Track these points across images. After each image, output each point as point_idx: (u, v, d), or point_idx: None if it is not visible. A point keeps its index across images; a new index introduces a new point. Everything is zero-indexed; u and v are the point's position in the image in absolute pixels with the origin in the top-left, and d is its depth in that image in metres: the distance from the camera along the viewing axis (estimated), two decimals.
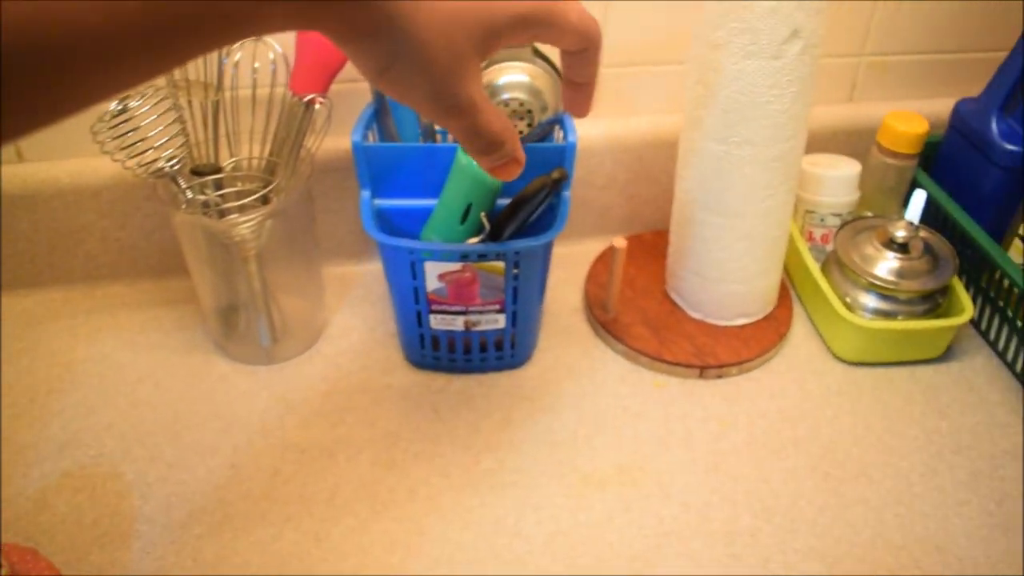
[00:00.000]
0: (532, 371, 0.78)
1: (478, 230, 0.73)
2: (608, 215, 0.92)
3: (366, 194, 0.73)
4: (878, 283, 0.77)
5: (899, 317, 0.77)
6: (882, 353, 0.79)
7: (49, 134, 0.32)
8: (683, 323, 0.80)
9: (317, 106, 0.70)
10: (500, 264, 0.68)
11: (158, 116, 0.67)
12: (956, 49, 0.92)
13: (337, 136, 0.76)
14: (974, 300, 0.82)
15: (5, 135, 0.27)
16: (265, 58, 0.71)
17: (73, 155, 0.80)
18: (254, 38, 0.67)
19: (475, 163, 0.69)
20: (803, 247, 0.84)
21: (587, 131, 0.86)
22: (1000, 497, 0.68)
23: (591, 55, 0.43)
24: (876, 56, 0.91)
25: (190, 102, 0.71)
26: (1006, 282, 0.77)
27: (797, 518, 0.66)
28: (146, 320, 0.83)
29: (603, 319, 0.80)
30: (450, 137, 0.78)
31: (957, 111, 0.86)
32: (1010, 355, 0.79)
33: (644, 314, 0.81)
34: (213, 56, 0.69)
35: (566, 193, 0.72)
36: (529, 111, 0.71)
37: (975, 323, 0.83)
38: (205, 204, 0.72)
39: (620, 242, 0.75)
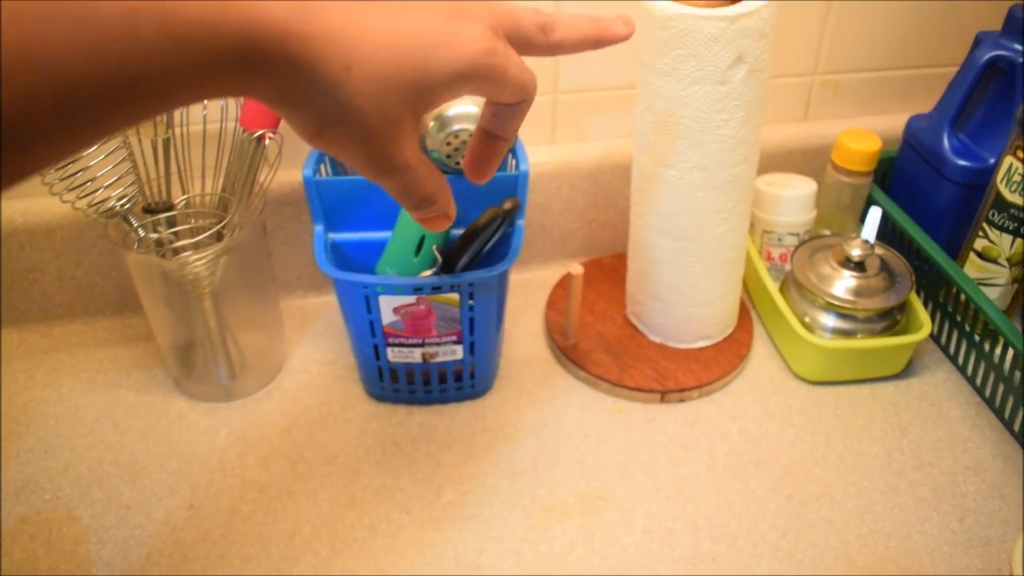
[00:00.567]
0: (493, 400, 0.77)
1: (433, 262, 0.73)
2: (567, 240, 0.92)
3: (319, 228, 0.73)
4: (836, 303, 0.77)
5: (858, 335, 0.78)
6: (842, 372, 0.79)
7: None
8: (644, 347, 0.80)
9: (267, 141, 0.69)
10: (455, 296, 0.68)
11: (107, 156, 0.66)
12: (907, 65, 0.93)
13: (292, 169, 0.76)
14: (932, 315, 0.82)
15: None
16: None
17: (25, 195, 0.79)
18: None
19: None
20: (762, 267, 0.84)
21: (544, 157, 0.86)
22: (961, 514, 0.68)
23: (524, 108, 0.43)
24: (828, 75, 0.91)
25: (140, 140, 0.70)
26: (963, 297, 0.77)
27: (759, 542, 0.66)
28: (104, 359, 0.82)
29: (563, 345, 0.80)
30: None
31: (909, 127, 0.87)
32: (969, 369, 0.79)
33: (604, 339, 0.81)
34: None
35: (520, 222, 0.72)
36: None
37: (935, 337, 0.84)
38: (158, 242, 0.72)
39: (576, 269, 0.75)
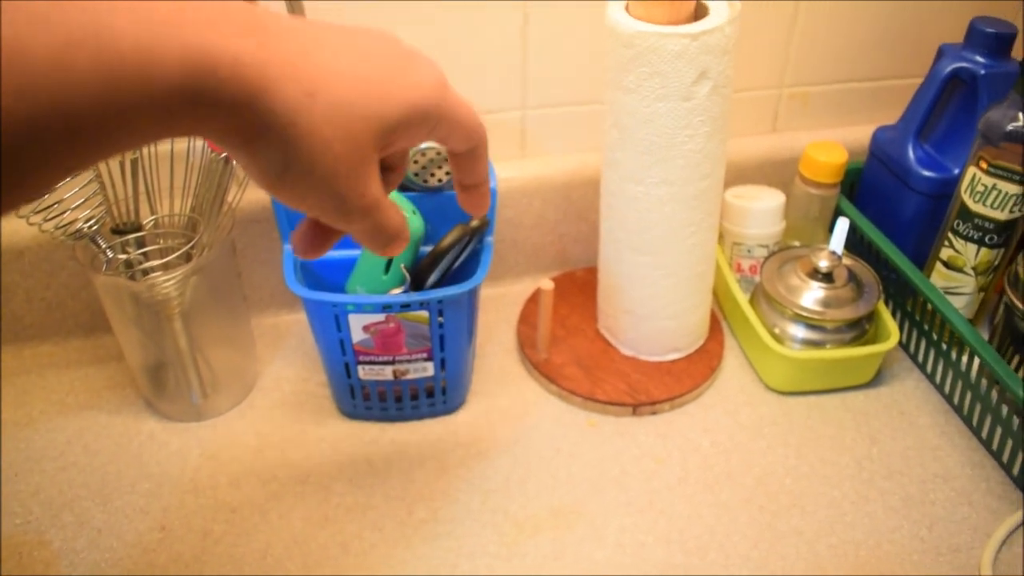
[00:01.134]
0: (465, 416, 0.77)
1: (402, 280, 0.73)
2: (539, 254, 0.93)
3: (288, 248, 0.73)
4: (804, 314, 0.77)
5: (827, 346, 0.78)
6: (813, 382, 0.80)
7: None
8: (615, 360, 0.81)
9: (235, 161, 0.69)
10: (424, 313, 0.68)
11: (73, 177, 0.66)
12: (872, 77, 0.94)
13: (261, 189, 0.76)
14: (900, 324, 0.83)
15: None
16: None
17: None
18: None
19: None
20: (732, 279, 0.85)
21: (514, 173, 0.87)
22: (931, 522, 0.69)
23: (480, 152, 0.43)
24: (796, 87, 0.92)
25: (107, 160, 0.70)
26: (929, 306, 0.78)
27: (732, 553, 0.66)
28: (75, 380, 0.82)
29: (535, 360, 0.80)
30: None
31: (875, 139, 0.88)
32: (938, 377, 0.80)
33: (576, 353, 0.81)
34: None
35: (489, 239, 0.72)
36: (447, 159, 0.71)
37: (904, 346, 0.84)
38: (127, 263, 0.71)
39: (547, 284, 0.75)
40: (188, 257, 0.71)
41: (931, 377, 0.81)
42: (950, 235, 0.78)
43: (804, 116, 0.95)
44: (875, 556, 0.66)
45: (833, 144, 0.84)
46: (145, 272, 0.71)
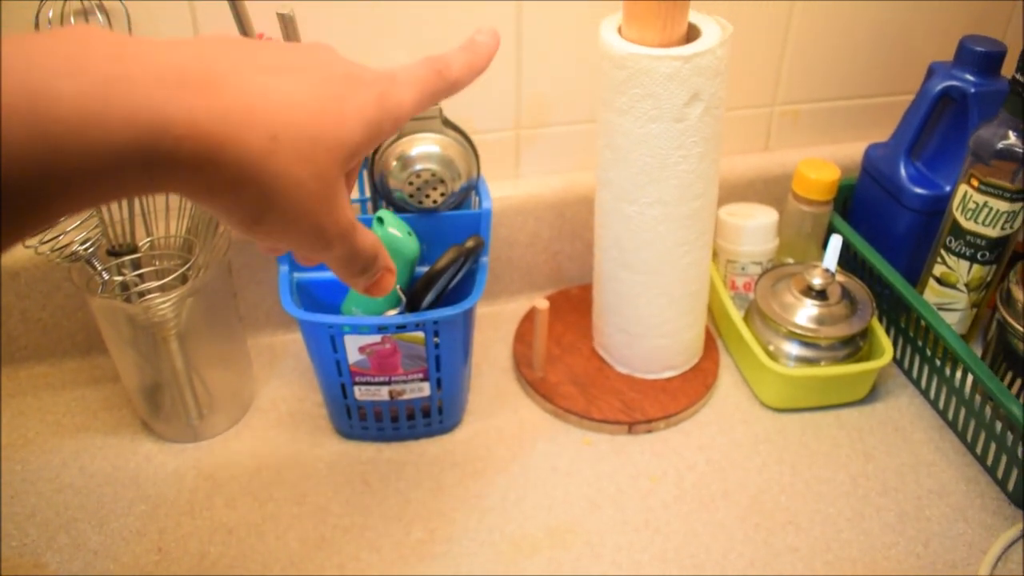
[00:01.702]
0: (462, 435, 0.77)
1: (398, 300, 0.73)
2: (534, 272, 0.93)
3: (284, 269, 0.73)
4: (798, 331, 0.78)
5: (822, 363, 0.79)
6: (807, 399, 0.80)
7: None
8: (611, 379, 0.81)
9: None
10: (420, 334, 0.68)
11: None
12: (864, 94, 0.94)
13: None
14: (894, 341, 0.83)
15: None
16: None
17: None
18: None
19: (391, 235, 0.69)
20: (726, 297, 0.85)
21: (508, 191, 0.87)
22: (926, 538, 0.69)
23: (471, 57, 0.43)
24: (788, 105, 0.93)
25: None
26: (923, 322, 0.78)
27: (727, 572, 0.66)
28: (71, 401, 0.82)
29: (531, 378, 0.81)
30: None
31: (868, 156, 0.88)
32: (932, 393, 0.80)
33: (572, 371, 0.82)
34: None
35: (484, 259, 0.72)
36: (442, 180, 0.72)
37: (898, 363, 0.85)
38: (123, 285, 0.72)
39: (542, 303, 0.75)
40: (184, 278, 0.71)
41: (925, 393, 0.82)
42: (942, 252, 0.79)
43: (796, 134, 0.95)
44: (871, 573, 0.66)
45: (825, 162, 0.85)
46: (141, 294, 0.71)
